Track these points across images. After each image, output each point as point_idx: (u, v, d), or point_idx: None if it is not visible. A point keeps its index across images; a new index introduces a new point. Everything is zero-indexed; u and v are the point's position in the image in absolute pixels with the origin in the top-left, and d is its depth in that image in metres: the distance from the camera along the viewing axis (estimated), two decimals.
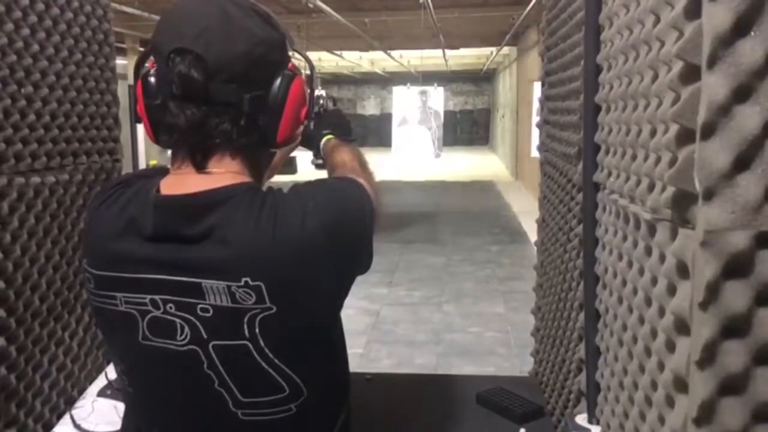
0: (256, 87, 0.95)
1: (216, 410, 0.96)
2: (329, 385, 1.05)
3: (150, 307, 0.94)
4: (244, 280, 0.89)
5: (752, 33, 0.66)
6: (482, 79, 23.85)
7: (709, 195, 0.68)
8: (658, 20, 0.87)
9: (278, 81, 0.97)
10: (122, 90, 1.94)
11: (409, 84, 17.31)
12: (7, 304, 1.47)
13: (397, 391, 1.87)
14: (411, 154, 16.77)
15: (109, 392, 1.72)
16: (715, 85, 0.67)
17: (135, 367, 1.02)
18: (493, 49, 14.01)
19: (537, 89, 2.09)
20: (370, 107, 25.63)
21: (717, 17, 0.66)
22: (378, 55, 14.31)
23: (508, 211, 10.28)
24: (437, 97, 17.28)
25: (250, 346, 0.92)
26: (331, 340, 1.04)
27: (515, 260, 6.93)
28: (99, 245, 0.99)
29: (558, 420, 1.66)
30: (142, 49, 1.17)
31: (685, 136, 0.74)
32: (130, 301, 0.95)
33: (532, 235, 2.09)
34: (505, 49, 14.43)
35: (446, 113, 19.87)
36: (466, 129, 24.98)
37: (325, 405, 1.05)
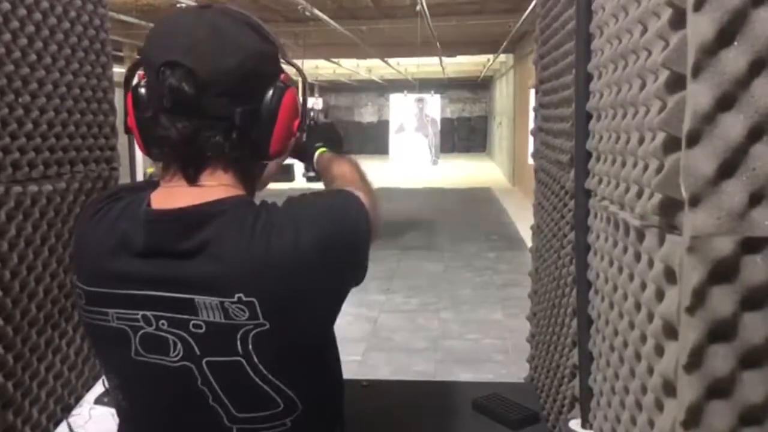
0: (248, 100, 0.95)
1: (210, 426, 0.95)
2: (324, 398, 1.04)
3: (142, 324, 0.93)
4: (237, 296, 0.88)
5: (735, 43, 0.68)
6: (479, 86, 23.91)
7: (694, 201, 0.69)
8: (645, 30, 0.88)
9: (270, 93, 0.97)
10: (119, 98, 1.96)
11: (406, 92, 17.37)
12: (4, 312, 1.48)
13: (393, 398, 1.87)
14: (408, 161, 16.81)
15: (105, 399, 1.72)
16: (699, 94, 0.68)
17: (128, 383, 1.01)
18: (490, 56, 14.06)
19: (534, 96, 2.10)
20: (367, 115, 25.68)
21: (701, 27, 0.67)
22: (375, 62, 14.35)
23: (505, 218, 10.29)
24: (434, 104, 17.35)
25: (244, 362, 0.91)
26: (324, 353, 1.03)
27: (513, 267, 6.93)
28: (90, 261, 0.98)
29: (553, 425, 1.67)
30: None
31: (672, 144, 0.75)
32: (123, 318, 0.94)
33: (530, 242, 2.10)
34: (502, 57, 14.48)
35: (443, 120, 19.94)
36: (464, 136, 25.03)
37: (320, 418, 1.04)
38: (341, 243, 0.95)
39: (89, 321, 0.99)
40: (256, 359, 0.91)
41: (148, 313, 0.93)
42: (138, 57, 1.00)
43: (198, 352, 0.92)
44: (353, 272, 1.00)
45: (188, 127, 0.91)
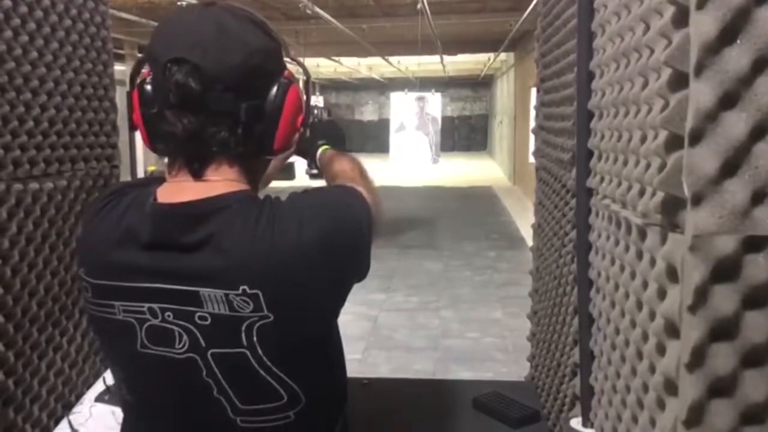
0: (253, 96, 0.96)
1: (215, 417, 0.96)
2: (327, 391, 1.06)
3: (148, 316, 0.94)
4: (241, 288, 0.89)
5: (738, 41, 0.68)
6: (480, 85, 23.89)
7: (697, 200, 0.69)
8: (647, 28, 0.88)
9: (274, 89, 0.98)
10: (120, 96, 1.95)
11: (406, 90, 17.33)
12: (5, 309, 1.48)
13: (394, 396, 1.87)
14: (409, 159, 16.76)
15: (106, 397, 1.72)
16: (702, 92, 0.68)
17: (134, 376, 1.02)
18: (491, 55, 14.05)
19: (534, 95, 2.10)
20: (368, 113, 25.66)
21: (704, 26, 0.67)
22: (376, 61, 14.34)
23: (506, 217, 10.29)
24: (435, 102, 17.28)
25: (248, 354, 0.92)
26: (328, 347, 1.04)
27: (513, 266, 6.94)
28: (96, 255, 0.99)
29: (554, 424, 1.67)
30: (140, 55, 1.17)
31: (674, 142, 0.75)
32: (129, 310, 0.96)
33: (530, 241, 2.10)
34: (503, 55, 14.47)
35: (444, 119, 19.87)
36: (464, 135, 25.03)
37: (323, 411, 1.05)
38: (343, 238, 0.96)
39: (95, 314, 1.00)
40: (260, 351, 0.92)
41: (154, 306, 0.94)
42: (143, 54, 1.01)
43: (203, 344, 0.93)
44: (355, 267, 1.01)
45: (194, 122, 0.92)
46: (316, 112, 1.55)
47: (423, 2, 6.98)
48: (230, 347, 0.92)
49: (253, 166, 1.02)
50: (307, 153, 1.47)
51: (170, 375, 0.96)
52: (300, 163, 1.52)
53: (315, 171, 1.48)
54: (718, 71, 0.68)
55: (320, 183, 1.33)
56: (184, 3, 6.06)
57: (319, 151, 1.46)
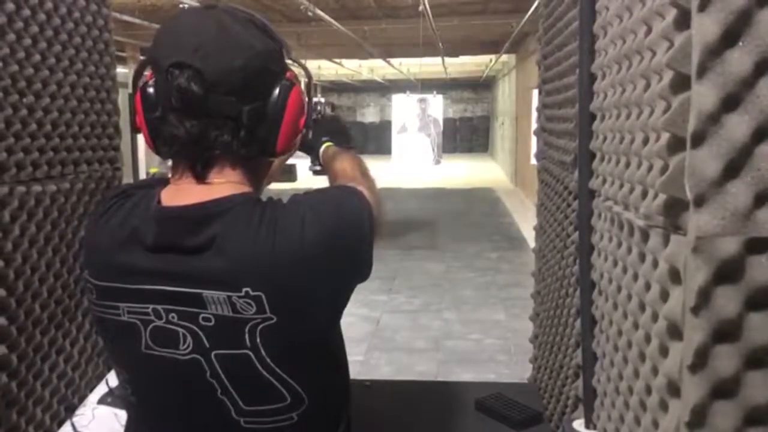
0: (255, 98, 0.96)
1: (218, 418, 0.96)
2: (330, 393, 1.06)
3: (152, 317, 0.95)
4: (244, 290, 0.90)
5: (740, 43, 0.68)
6: (481, 86, 23.90)
7: (699, 202, 0.69)
8: (649, 30, 0.88)
9: (276, 91, 0.98)
10: (123, 98, 1.96)
11: (408, 92, 17.37)
12: (8, 312, 1.48)
13: (396, 398, 1.87)
14: (411, 161, 16.81)
15: (109, 399, 1.72)
16: (704, 95, 0.68)
17: (138, 377, 1.02)
18: (492, 56, 14.05)
19: (536, 97, 2.10)
20: (369, 115, 25.68)
21: (706, 28, 0.68)
22: (377, 63, 14.35)
23: (507, 218, 10.28)
24: (436, 104, 17.34)
25: (252, 355, 0.92)
26: (331, 348, 1.05)
27: (515, 267, 6.93)
28: (101, 256, 0.99)
29: (556, 426, 1.67)
30: (142, 57, 1.18)
31: (676, 145, 0.75)
32: (133, 311, 0.96)
33: (532, 242, 2.09)
34: (504, 57, 14.47)
35: (446, 121, 19.93)
36: (466, 136, 25.01)
37: (326, 413, 1.05)
38: (345, 239, 0.96)
39: (100, 315, 1.01)
40: (263, 352, 0.92)
41: (159, 307, 0.94)
42: (145, 57, 1.01)
43: (207, 345, 0.93)
44: (357, 268, 1.01)
45: (197, 126, 0.93)
46: (319, 108, 1.54)
47: (424, 4, 6.98)
48: (234, 348, 0.93)
49: (256, 167, 1.03)
50: (311, 149, 1.47)
51: (174, 376, 0.97)
52: (301, 165, 1.52)
53: (318, 167, 1.48)
54: (720, 73, 0.68)
55: (323, 179, 1.34)
56: (186, 5, 6.07)
57: (322, 147, 1.45)
